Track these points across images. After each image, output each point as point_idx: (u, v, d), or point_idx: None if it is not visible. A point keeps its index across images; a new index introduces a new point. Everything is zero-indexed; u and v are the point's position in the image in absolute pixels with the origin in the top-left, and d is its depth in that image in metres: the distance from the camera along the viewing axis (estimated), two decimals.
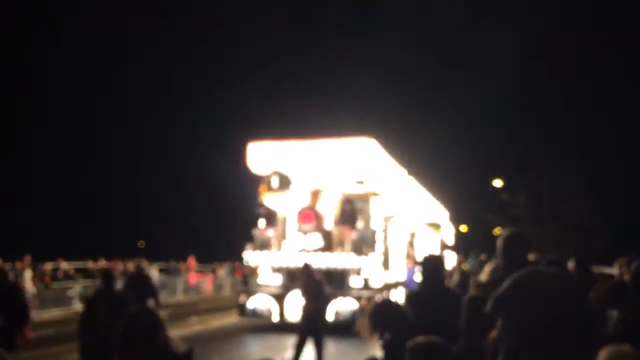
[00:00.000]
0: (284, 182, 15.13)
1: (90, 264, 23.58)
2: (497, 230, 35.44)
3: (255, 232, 15.49)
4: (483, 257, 16.25)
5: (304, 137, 15.23)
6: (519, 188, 37.52)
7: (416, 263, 19.39)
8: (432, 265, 4.94)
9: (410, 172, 18.94)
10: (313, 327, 9.70)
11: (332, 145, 15.03)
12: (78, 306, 18.90)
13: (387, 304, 4.18)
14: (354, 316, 13.99)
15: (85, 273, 22.73)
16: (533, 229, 31.73)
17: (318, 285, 10.03)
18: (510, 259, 3.55)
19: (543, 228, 34.40)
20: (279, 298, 14.39)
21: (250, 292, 14.85)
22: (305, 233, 15.09)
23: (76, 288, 20.77)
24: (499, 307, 2.13)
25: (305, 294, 9.90)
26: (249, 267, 15.30)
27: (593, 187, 35.04)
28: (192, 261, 28.89)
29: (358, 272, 14.71)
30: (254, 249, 15.09)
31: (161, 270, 26.71)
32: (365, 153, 14.80)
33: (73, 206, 52.38)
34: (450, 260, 24.62)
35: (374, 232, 15.49)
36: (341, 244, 14.90)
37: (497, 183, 38.66)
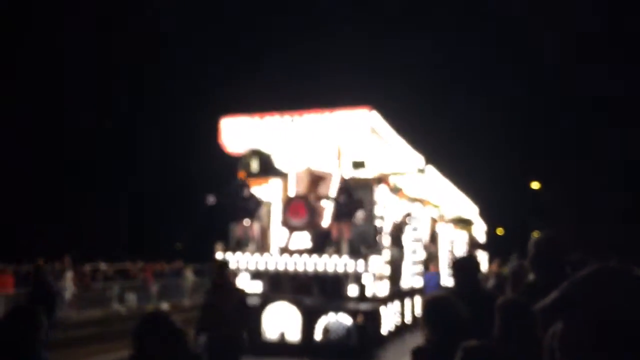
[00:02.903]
0: (266, 166, 11.33)
1: (128, 266, 23.21)
2: (535, 234, 32.35)
3: (232, 229, 11.70)
4: (517, 260, 12.43)
5: (290, 111, 11.35)
6: (558, 190, 34.32)
7: (437, 267, 15.46)
8: (466, 267, 4.36)
9: (429, 161, 14.80)
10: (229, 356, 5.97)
11: (323, 119, 11.13)
12: (117, 306, 19.56)
13: (441, 300, 3.49)
14: (348, 334, 10.09)
15: (123, 274, 22.56)
16: (572, 230, 28.17)
17: (239, 295, 6.28)
18: (544, 263, 3.48)
19: (582, 228, 30.87)
20: (254, 311, 10.56)
21: None
22: (292, 230, 11.25)
23: (115, 289, 20.39)
24: (562, 306, 1.77)
25: (221, 307, 6.13)
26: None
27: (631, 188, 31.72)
28: None
29: (356, 278, 10.77)
30: (226, 249, 11.27)
31: (197, 272, 25.07)
32: (364, 128, 10.85)
33: (112, 208, 49.66)
34: (483, 261, 20.74)
35: (377, 229, 11.51)
36: (335, 244, 10.98)
37: (535, 185, 36.20)
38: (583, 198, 35.03)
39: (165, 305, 19.87)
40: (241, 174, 11.52)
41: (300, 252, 10.83)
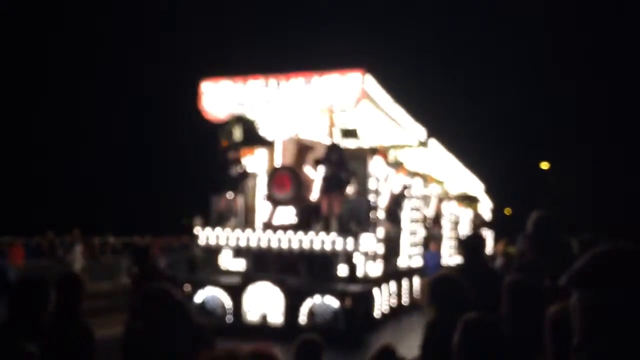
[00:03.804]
0: (250, 133, 10.23)
1: (137, 239, 22.94)
2: (535, 213, 32.08)
3: (214, 202, 10.64)
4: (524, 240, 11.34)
5: (276, 74, 10.19)
6: (566, 171, 33.62)
7: (439, 246, 14.39)
8: (473, 245, 4.36)
9: (432, 134, 13.58)
10: None
11: (312, 84, 9.96)
12: (125, 280, 19.23)
13: (445, 278, 3.41)
14: (335, 318, 9.05)
15: (132, 248, 21.42)
16: (580, 211, 27.55)
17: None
18: (541, 242, 3.40)
19: (588, 209, 30.21)
20: (235, 291, 9.55)
21: (198, 282, 9.96)
22: (276, 204, 10.17)
23: (123, 262, 19.89)
24: (574, 283, 1.48)
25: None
26: (200, 248, 10.43)
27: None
28: None
29: (346, 257, 9.70)
30: (205, 224, 10.23)
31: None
32: (356, 93, 9.67)
33: (121, 182, 48.73)
34: (489, 239, 19.69)
35: (370, 204, 10.39)
36: (324, 219, 9.90)
37: (544, 165, 35.14)
38: (587, 184, 34.12)
39: None
40: (223, 143, 10.43)
41: (285, 228, 9.76)
